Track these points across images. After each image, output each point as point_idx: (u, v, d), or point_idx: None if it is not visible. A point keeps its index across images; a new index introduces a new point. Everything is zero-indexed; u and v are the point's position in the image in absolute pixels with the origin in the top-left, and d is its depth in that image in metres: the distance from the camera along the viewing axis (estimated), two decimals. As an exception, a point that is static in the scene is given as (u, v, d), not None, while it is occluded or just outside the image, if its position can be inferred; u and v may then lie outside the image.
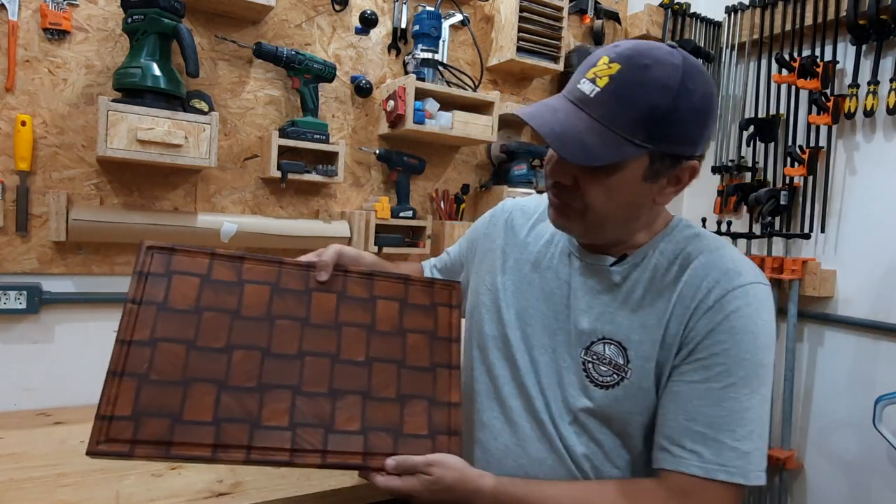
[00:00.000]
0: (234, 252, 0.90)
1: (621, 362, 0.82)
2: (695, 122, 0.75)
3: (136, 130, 1.35)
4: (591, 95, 0.75)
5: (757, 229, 2.16)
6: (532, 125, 0.76)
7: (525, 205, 1.06)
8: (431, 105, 1.78)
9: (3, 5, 1.36)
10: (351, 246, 1.77)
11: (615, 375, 0.83)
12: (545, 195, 1.06)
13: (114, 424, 0.75)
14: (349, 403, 0.85)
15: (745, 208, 2.27)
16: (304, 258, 0.94)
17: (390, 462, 0.81)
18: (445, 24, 1.90)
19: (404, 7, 1.88)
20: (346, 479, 1.15)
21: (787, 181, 2.12)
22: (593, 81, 0.75)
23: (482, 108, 1.90)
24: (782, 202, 2.08)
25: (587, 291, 0.88)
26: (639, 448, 0.85)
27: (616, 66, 0.74)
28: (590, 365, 0.85)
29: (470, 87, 1.92)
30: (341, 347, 0.89)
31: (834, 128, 2.02)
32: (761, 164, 2.24)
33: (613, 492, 0.80)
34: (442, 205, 1.97)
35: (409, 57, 1.86)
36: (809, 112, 2.04)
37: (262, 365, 0.84)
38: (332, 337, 0.89)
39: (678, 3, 2.35)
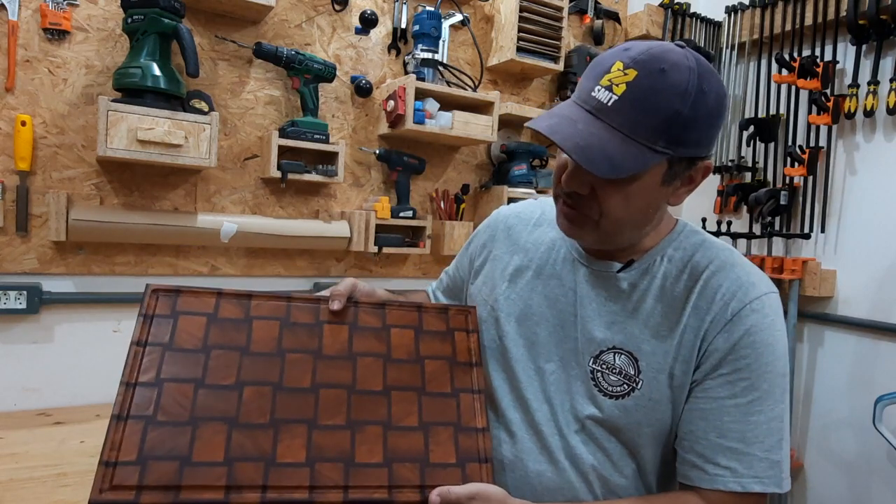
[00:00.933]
0: (240, 290, 0.88)
1: (632, 373, 0.82)
2: (710, 125, 0.75)
3: (136, 130, 1.35)
4: (609, 104, 0.72)
5: (757, 229, 2.16)
6: (554, 140, 0.73)
7: (521, 211, 1.04)
8: (431, 105, 1.78)
9: (3, 5, 1.36)
10: (351, 246, 1.78)
11: (625, 385, 0.82)
12: (540, 200, 1.05)
13: (118, 470, 0.70)
14: (369, 435, 0.81)
15: (745, 208, 2.27)
16: (316, 294, 0.93)
17: (434, 498, 0.76)
18: (445, 24, 1.90)
19: (404, 7, 1.88)
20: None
21: (787, 181, 2.12)
22: (609, 89, 0.72)
23: (482, 108, 1.90)
24: (782, 202, 2.08)
25: (594, 299, 0.87)
26: (646, 458, 0.84)
27: (632, 73, 0.72)
28: (599, 374, 0.83)
29: (470, 87, 1.92)
30: (357, 378, 0.85)
31: (834, 128, 2.02)
32: (761, 164, 2.24)
33: None
34: (442, 205, 1.97)
35: (409, 57, 1.86)
36: (809, 112, 2.04)
37: (274, 400, 0.80)
38: (346, 368, 0.86)
39: (678, 3, 2.35)
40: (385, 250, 1.81)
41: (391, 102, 1.76)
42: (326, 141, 1.69)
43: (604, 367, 0.83)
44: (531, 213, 1.02)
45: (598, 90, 0.73)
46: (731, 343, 0.78)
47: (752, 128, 2.17)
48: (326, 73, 1.68)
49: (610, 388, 0.82)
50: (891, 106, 1.84)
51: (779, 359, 0.79)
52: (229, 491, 0.72)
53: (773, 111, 2.19)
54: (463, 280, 1.10)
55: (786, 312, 2.01)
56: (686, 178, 0.80)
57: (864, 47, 1.94)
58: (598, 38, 2.28)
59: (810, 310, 2.07)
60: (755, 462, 0.76)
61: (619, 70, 0.72)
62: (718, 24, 2.40)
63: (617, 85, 0.72)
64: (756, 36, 2.23)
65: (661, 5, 2.35)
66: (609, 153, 0.71)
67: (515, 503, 0.78)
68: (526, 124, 0.79)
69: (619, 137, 0.72)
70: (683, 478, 0.81)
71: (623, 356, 0.82)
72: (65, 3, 1.43)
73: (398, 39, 1.89)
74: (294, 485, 0.75)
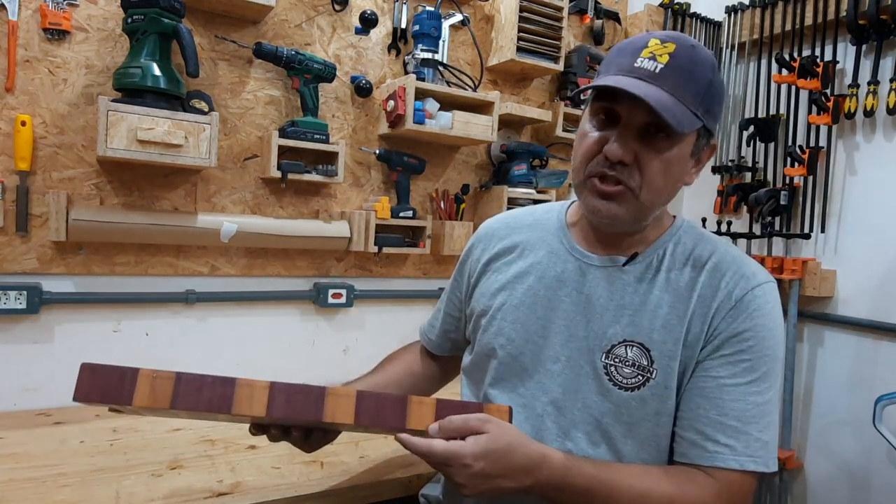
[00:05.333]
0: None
1: (645, 363, 0.83)
2: (723, 102, 0.83)
3: (136, 130, 1.35)
4: (657, 71, 0.77)
5: (757, 229, 2.16)
6: (628, 93, 0.75)
7: (509, 220, 1.05)
8: (431, 105, 1.78)
9: (3, 5, 1.36)
10: (351, 246, 1.77)
11: (640, 377, 0.83)
12: (529, 207, 1.07)
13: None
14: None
15: (745, 208, 2.27)
16: None
17: (434, 426, 0.75)
18: (445, 24, 1.90)
19: (404, 7, 1.88)
20: (346, 478, 1.15)
21: (787, 181, 2.12)
22: (653, 59, 0.78)
23: (482, 108, 1.90)
24: (782, 202, 2.08)
25: (601, 295, 0.88)
26: (657, 451, 0.85)
27: (671, 45, 0.78)
28: (612, 368, 0.85)
29: (470, 87, 1.92)
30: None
31: (834, 128, 2.01)
32: (761, 164, 2.24)
33: (677, 479, 0.81)
34: (442, 205, 1.97)
35: (409, 57, 1.86)
36: (809, 112, 2.04)
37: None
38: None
39: (678, 3, 2.35)
40: (385, 250, 1.81)
41: (391, 102, 1.76)
42: (326, 141, 1.69)
43: (617, 360, 0.85)
44: (523, 219, 1.03)
45: (642, 61, 0.78)
46: (735, 326, 0.82)
47: (752, 128, 2.17)
48: (326, 73, 1.68)
49: (624, 381, 0.84)
50: (891, 106, 1.84)
51: (777, 344, 0.84)
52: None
53: (773, 111, 2.19)
54: (461, 311, 1.09)
55: (786, 312, 2.01)
56: (698, 157, 0.85)
57: (864, 47, 1.94)
58: (598, 38, 2.28)
59: (810, 310, 2.07)
60: (751, 441, 0.80)
61: (657, 44, 0.79)
62: (718, 24, 2.40)
63: (660, 55, 0.78)
64: (756, 36, 2.23)
65: (661, 5, 2.35)
66: (672, 110, 0.75)
67: (535, 441, 0.78)
68: (600, 83, 0.80)
69: (672, 99, 0.76)
70: (681, 456, 0.83)
71: (635, 348, 0.84)
72: (65, 3, 1.42)
73: (398, 39, 1.89)
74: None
